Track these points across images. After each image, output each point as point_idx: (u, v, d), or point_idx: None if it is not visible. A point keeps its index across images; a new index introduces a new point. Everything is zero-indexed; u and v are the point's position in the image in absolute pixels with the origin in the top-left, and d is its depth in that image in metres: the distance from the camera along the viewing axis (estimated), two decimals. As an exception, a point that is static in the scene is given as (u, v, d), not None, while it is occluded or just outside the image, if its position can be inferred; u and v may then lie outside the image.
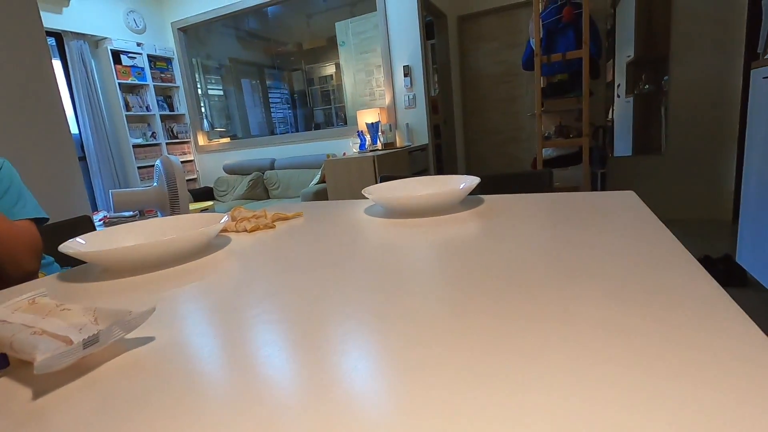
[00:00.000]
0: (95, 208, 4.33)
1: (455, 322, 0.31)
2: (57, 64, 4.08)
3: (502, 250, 0.47)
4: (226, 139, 5.38)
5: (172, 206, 2.17)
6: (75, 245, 0.62)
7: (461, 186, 0.76)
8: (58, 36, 4.03)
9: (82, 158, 4.29)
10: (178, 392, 0.26)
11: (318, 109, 5.57)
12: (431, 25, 4.31)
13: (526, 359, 0.26)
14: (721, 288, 0.32)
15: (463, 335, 0.29)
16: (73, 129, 4.23)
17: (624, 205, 0.63)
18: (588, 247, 0.45)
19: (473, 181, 0.76)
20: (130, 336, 0.35)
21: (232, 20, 5.11)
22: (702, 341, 0.25)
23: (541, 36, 2.71)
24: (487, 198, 0.79)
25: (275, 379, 0.26)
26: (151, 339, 0.34)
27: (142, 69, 4.69)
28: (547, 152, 2.93)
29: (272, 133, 5.87)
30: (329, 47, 5.14)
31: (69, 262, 1.01)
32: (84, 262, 0.68)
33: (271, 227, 0.75)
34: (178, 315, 0.39)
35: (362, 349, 0.29)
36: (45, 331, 0.31)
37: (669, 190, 3.02)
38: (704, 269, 0.36)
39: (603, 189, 3.07)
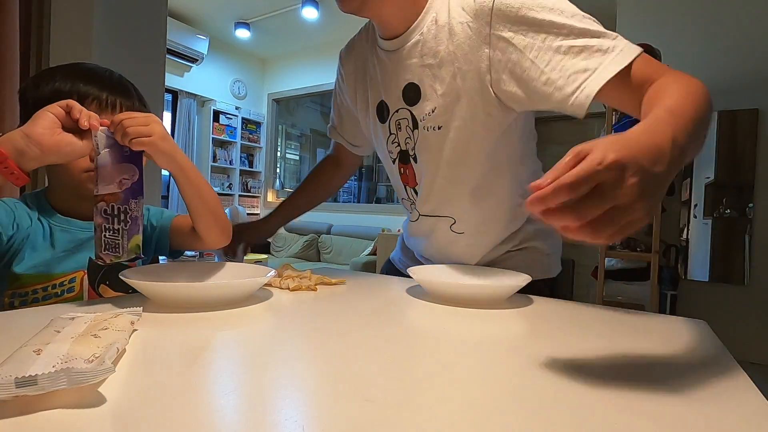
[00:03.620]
0: (163, 243, 4.64)
1: (473, 430, 0.28)
2: (167, 116, 4.69)
3: (542, 362, 0.43)
4: (292, 200, 5.70)
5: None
6: (133, 274, 0.66)
7: (509, 282, 0.73)
8: (175, 93, 4.69)
9: (165, 197, 4.73)
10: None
11: (382, 184, 5.80)
12: (502, 123, 4.47)
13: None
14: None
15: (485, 448, 0.26)
16: (164, 171, 4.72)
17: (693, 335, 0.56)
18: (643, 378, 0.40)
19: (524, 279, 0.73)
20: (84, 385, 0.28)
21: (319, 97, 5.68)
22: None
23: (613, 146, 2.69)
24: (537, 299, 0.74)
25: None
26: (102, 401, 0.30)
27: (235, 129, 5.27)
28: (611, 262, 2.76)
29: (335, 199, 6.14)
30: (402, 131, 5.43)
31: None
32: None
33: (313, 289, 0.76)
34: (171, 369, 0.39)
35: (372, 439, 0.27)
36: (41, 352, 0.30)
37: (752, 328, 2.68)
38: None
39: (672, 312, 2.79)
